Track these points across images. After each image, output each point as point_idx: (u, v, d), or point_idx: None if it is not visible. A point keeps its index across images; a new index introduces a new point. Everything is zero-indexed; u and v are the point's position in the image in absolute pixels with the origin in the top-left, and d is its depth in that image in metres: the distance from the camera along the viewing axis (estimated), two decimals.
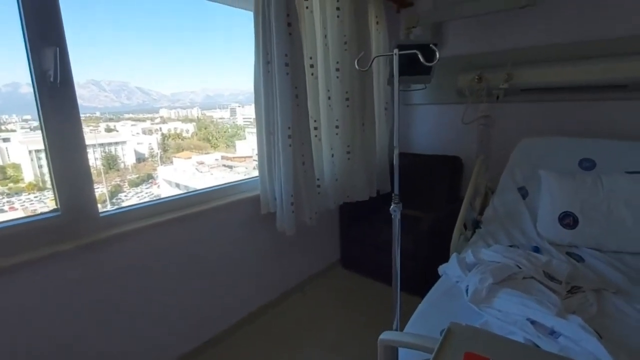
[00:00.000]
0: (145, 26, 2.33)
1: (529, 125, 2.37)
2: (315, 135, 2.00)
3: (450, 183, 2.69)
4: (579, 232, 1.58)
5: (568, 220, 1.61)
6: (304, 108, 1.82)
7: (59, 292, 1.28)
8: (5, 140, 1.79)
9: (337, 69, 2.08)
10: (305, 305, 2.22)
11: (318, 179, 2.05)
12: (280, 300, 2.22)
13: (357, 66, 1.39)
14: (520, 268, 1.29)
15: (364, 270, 2.58)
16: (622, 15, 1.94)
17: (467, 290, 1.22)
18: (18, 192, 1.80)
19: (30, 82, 1.17)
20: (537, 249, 1.58)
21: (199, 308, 1.77)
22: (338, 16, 2.01)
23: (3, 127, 1.82)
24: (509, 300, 1.10)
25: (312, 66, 1.94)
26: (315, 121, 1.99)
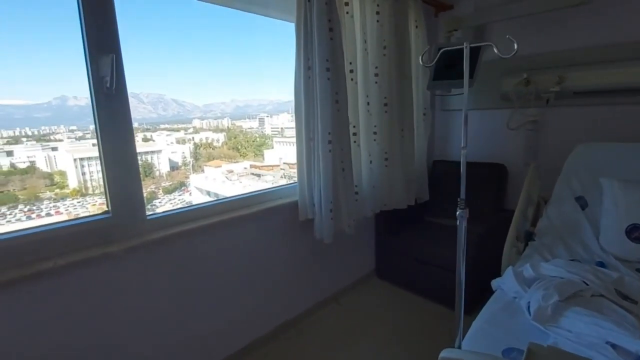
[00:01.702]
0: (179, 41, 2.46)
1: (583, 131, 2.20)
2: (354, 141, 1.96)
3: (495, 192, 2.55)
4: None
5: (637, 233, 1.46)
6: (344, 113, 1.79)
7: (105, 294, 1.31)
8: (54, 149, 1.94)
9: (376, 74, 2.04)
10: (340, 316, 2.16)
11: (356, 186, 2.01)
12: (315, 310, 2.17)
13: (421, 62, 1.33)
14: (587, 284, 1.17)
15: (400, 282, 2.48)
16: None
17: (528, 308, 1.12)
18: (63, 198, 1.92)
19: (88, 90, 1.22)
20: (602, 264, 1.44)
21: (234, 315, 1.76)
22: (378, 20, 1.98)
23: (52, 137, 1.97)
24: (579, 320, 0.99)
25: (351, 71, 1.91)
26: (354, 127, 1.95)
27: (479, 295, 2.21)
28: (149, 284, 1.42)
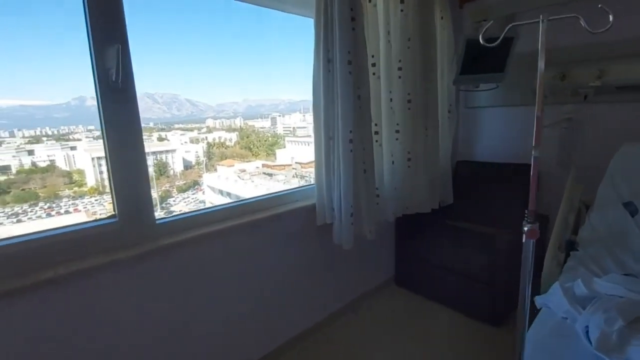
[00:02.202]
0: (193, 41, 2.47)
1: (626, 129, 2.01)
2: (376, 141, 1.82)
3: (524, 194, 2.37)
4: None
5: None
6: (366, 110, 1.66)
7: (109, 306, 1.21)
8: (73, 148, 1.99)
9: (400, 68, 1.90)
10: (357, 326, 2.03)
11: (377, 188, 1.87)
12: (330, 321, 2.05)
13: (481, 40, 1.12)
14: None
15: (420, 290, 2.33)
16: None
17: (587, 333, 0.97)
18: (81, 195, 1.97)
19: (93, 83, 1.12)
20: None
21: (248, 325, 1.65)
22: (402, 10, 1.84)
23: (71, 137, 2.02)
24: None
25: (374, 65, 1.78)
26: (376, 125, 1.82)
27: (512, 309, 2.06)
28: (157, 293, 1.32)
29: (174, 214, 1.41)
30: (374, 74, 1.78)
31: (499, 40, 1.07)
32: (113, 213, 1.25)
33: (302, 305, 1.89)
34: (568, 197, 1.58)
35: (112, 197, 1.23)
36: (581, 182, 1.95)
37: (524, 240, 0.88)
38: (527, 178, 2.39)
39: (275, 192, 1.80)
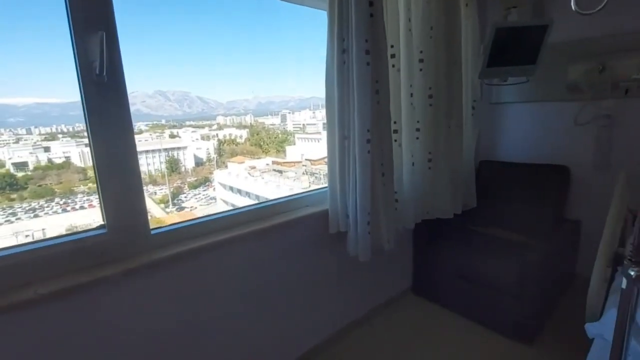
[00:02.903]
0: (203, 39, 2.41)
1: None
2: (395, 140, 1.65)
3: (555, 199, 2.17)
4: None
5: None
6: (385, 107, 1.49)
7: (96, 328, 1.08)
8: (87, 145, 1.98)
9: (421, 60, 1.72)
10: (373, 339, 1.87)
11: (396, 192, 1.70)
12: (344, 334, 1.89)
13: (573, 7, 0.86)
14: None
15: (440, 300, 2.15)
16: None
17: None
18: (95, 192, 1.96)
19: (76, 76, 0.98)
20: None
21: (252, 344, 1.51)
22: None
23: (85, 134, 2.05)
24: None
25: (393, 56, 1.60)
26: (395, 123, 1.64)
27: (545, 326, 1.87)
28: (151, 313, 1.18)
29: (171, 223, 1.26)
30: (393, 66, 1.60)
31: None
32: (102, 223, 1.12)
33: (312, 319, 1.74)
34: (617, 206, 1.38)
35: (100, 206, 1.09)
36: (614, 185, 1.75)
37: (624, 285, 0.64)
38: (558, 180, 2.21)
39: (283, 197, 1.64)
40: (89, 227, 1.14)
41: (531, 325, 1.80)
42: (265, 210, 1.54)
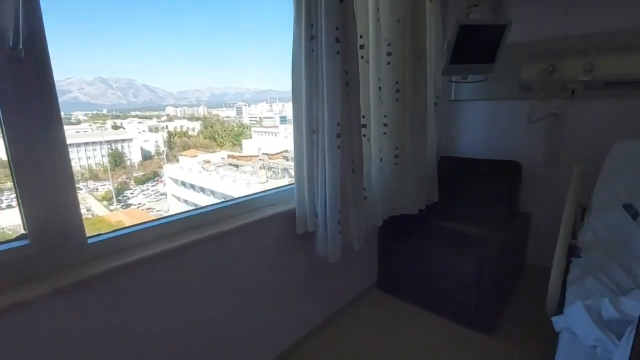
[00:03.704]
0: (151, 23, 2.15)
1: (617, 126, 1.94)
2: (364, 135, 1.59)
3: (508, 193, 2.28)
4: None
5: None
6: (355, 99, 1.41)
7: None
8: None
9: (389, 53, 1.67)
10: (341, 340, 1.81)
11: (364, 189, 1.65)
12: (313, 335, 1.81)
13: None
14: None
15: (405, 295, 2.16)
16: None
17: None
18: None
19: None
20: None
21: (218, 352, 1.37)
22: None
23: None
24: None
25: (362, 47, 1.54)
26: (364, 117, 1.58)
27: (503, 315, 1.95)
28: (87, 340, 0.99)
29: (114, 229, 1.08)
30: (362, 57, 1.53)
31: None
32: (23, 232, 0.91)
33: (281, 324, 1.64)
34: (572, 201, 1.45)
35: (20, 211, 0.89)
36: (567, 181, 1.86)
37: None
38: (510, 175, 2.31)
39: (246, 196, 1.51)
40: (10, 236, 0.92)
41: (490, 315, 1.87)
42: (225, 211, 1.39)
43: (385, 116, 1.74)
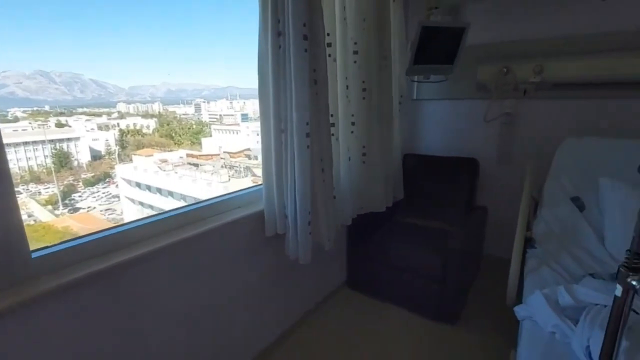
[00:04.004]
0: (100, 14, 1.96)
1: (562, 125, 2.11)
2: (333, 134, 1.58)
3: (467, 188, 2.39)
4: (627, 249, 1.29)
5: None
6: (323, 98, 1.39)
7: None
8: None
9: (355, 52, 1.68)
10: (312, 340, 1.80)
11: (334, 188, 1.64)
12: (283, 339, 1.78)
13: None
14: (637, 312, 0.96)
15: (373, 291, 2.20)
16: None
17: (589, 355, 0.87)
18: None
19: None
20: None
21: None
22: None
23: None
24: None
25: (329, 45, 1.52)
26: (332, 116, 1.57)
27: (467, 307, 2.04)
28: None
29: (64, 240, 0.97)
30: (329, 55, 1.52)
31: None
32: None
33: (252, 330, 1.58)
34: (528, 196, 1.55)
35: None
36: (521, 176, 1.98)
37: (619, 293, 0.56)
38: (469, 171, 2.43)
39: (211, 199, 1.44)
40: None
41: (454, 306, 1.95)
42: (190, 215, 1.32)
43: (352, 115, 1.74)
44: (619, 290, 0.55)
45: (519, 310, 1.15)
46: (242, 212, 1.46)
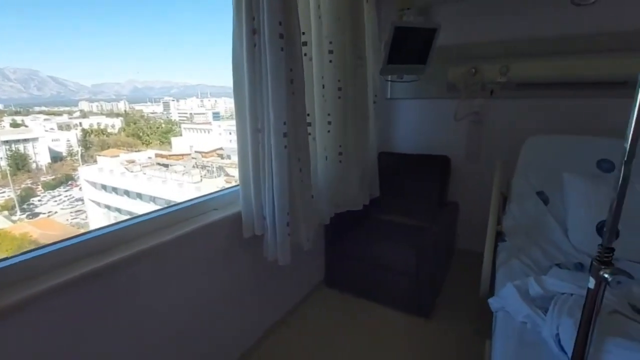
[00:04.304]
0: (58, 4, 1.82)
1: (527, 122, 2.21)
2: (309, 134, 1.57)
3: (439, 185, 2.46)
4: (621, 243, 1.39)
5: None
6: (300, 98, 1.38)
7: None
8: None
9: (331, 51, 1.67)
10: (290, 342, 1.79)
11: (311, 188, 1.63)
12: (263, 341, 1.76)
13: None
14: (627, 316, 1.03)
15: (351, 289, 2.21)
16: (633, 9, 1.82)
17: (559, 341, 0.92)
18: None
19: None
20: (581, 266, 1.37)
21: None
22: None
23: None
24: (629, 358, 0.82)
25: (305, 44, 1.50)
26: (308, 115, 1.56)
27: (439, 300, 2.10)
28: None
29: (21, 252, 0.90)
30: (305, 54, 1.50)
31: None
32: None
33: (230, 334, 1.55)
34: (497, 191, 1.61)
35: None
36: (490, 173, 2.06)
37: (592, 285, 0.57)
38: (441, 168, 2.51)
39: (186, 202, 1.39)
40: None
41: (429, 301, 2.00)
42: (164, 220, 1.26)
43: (329, 114, 1.74)
44: (591, 282, 0.58)
45: (493, 302, 1.20)
46: (219, 214, 1.42)
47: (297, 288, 2.05)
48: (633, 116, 0.47)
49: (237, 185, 1.43)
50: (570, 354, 0.88)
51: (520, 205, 1.73)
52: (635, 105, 0.48)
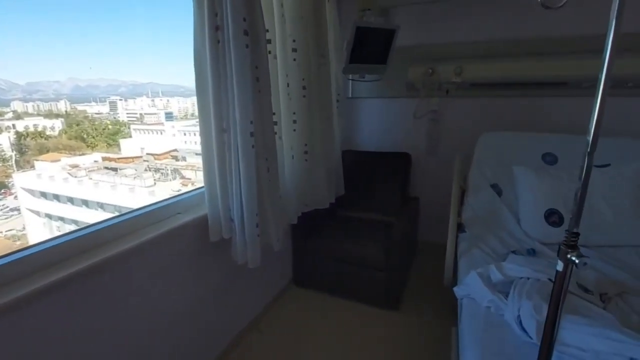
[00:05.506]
0: None
1: (480, 120, 2.36)
2: (275, 133, 1.54)
3: (401, 181, 2.54)
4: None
5: (554, 217, 1.56)
6: (266, 96, 1.35)
7: None
8: None
9: (294, 49, 1.66)
10: (264, 344, 1.76)
11: (279, 188, 1.61)
12: (234, 347, 1.70)
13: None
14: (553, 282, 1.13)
15: (320, 286, 2.22)
16: (568, 16, 2.00)
17: (520, 323, 1.00)
18: None
19: None
20: (533, 252, 1.49)
21: None
22: None
23: None
24: (583, 333, 0.91)
25: (269, 42, 1.47)
26: (274, 114, 1.53)
27: (406, 293, 2.17)
28: None
29: None
30: (270, 52, 1.47)
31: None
32: None
33: (197, 342, 1.48)
34: (458, 184, 1.70)
35: None
36: (450, 167, 2.18)
37: (561, 268, 0.61)
38: (403, 165, 2.60)
39: (146, 207, 1.30)
40: None
41: (396, 293, 2.07)
42: (122, 228, 1.17)
43: (294, 113, 1.72)
44: (560, 265, 0.63)
45: (458, 290, 1.26)
46: (183, 218, 1.35)
47: (266, 289, 2.02)
48: (595, 111, 0.52)
49: (202, 187, 1.37)
50: (530, 334, 0.96)
51: (477, 197, 1.84)
52: (596, 102, 0.53)
